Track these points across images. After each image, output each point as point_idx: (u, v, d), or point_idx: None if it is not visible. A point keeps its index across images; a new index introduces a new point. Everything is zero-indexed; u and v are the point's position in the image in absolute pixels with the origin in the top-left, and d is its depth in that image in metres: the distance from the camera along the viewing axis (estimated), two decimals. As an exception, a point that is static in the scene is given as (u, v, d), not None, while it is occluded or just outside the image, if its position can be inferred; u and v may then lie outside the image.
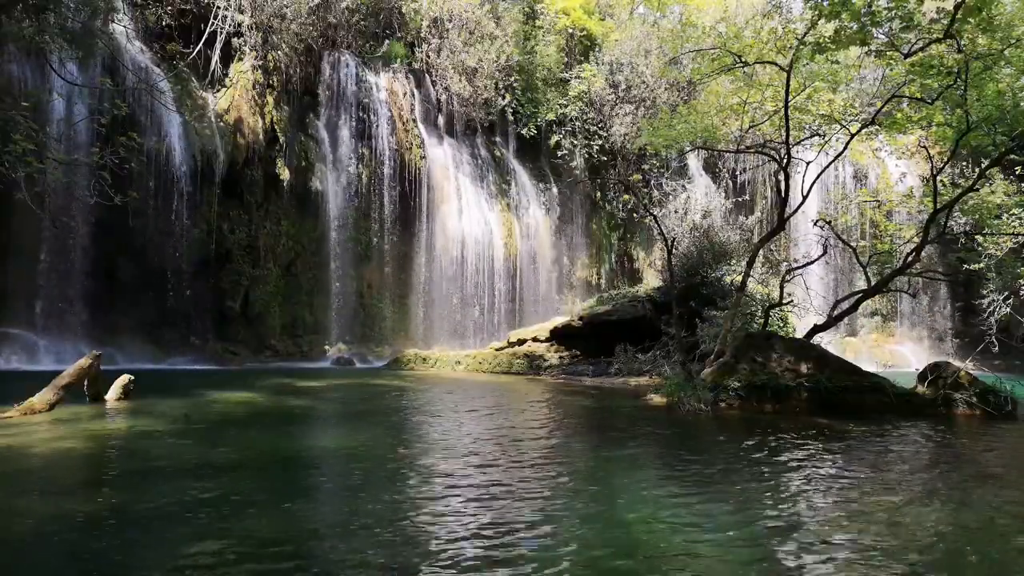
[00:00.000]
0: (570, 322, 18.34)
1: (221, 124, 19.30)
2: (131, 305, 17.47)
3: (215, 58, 19.79)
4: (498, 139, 26.26)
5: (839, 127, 13.27)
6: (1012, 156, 13.28)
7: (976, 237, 17.82)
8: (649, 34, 26.72)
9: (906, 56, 10.64)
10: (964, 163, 20.74)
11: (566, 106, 26.01)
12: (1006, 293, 20.37)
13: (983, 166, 11.98)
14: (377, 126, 22.37)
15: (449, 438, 7.49)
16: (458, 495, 4.85)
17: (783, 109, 11.91)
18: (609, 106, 26.32)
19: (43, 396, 8.06)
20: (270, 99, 20.69)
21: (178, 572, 3.33)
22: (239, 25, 20.02)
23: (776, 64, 12.14)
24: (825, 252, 14.02)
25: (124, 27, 18.13)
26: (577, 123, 26.15)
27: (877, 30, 10.52)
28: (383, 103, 22.66)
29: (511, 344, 18.76)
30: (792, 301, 14.01)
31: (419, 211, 23.08)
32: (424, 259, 23.12)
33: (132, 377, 9.57)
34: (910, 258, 12.47)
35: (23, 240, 15.92)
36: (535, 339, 18.48)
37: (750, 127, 14.19)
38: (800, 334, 13.53)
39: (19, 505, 4.49)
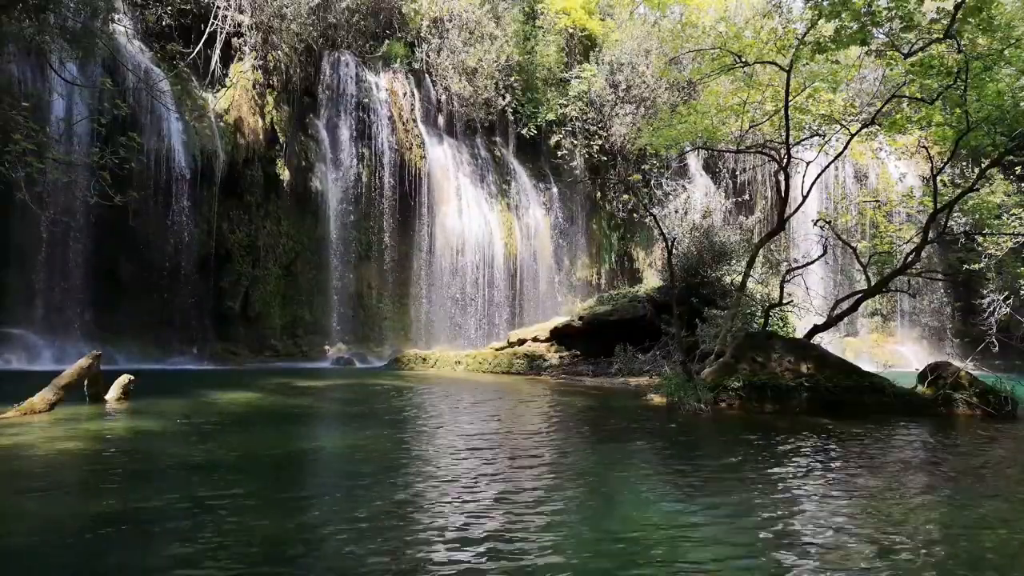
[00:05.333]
0: (570, 322, 18.33)
1: (221, 124, 19.31)
2: (131, 305, 17.48)
3: (215, 58, 19.79)
4: (498, 139, 26.26)
5: (839, 127, 13.27)
6: (1012, 156, 13.28)
7: (976, 237, 17.84)
8: (649, 34, 26.74)
9: (906, 56, 10.64)
10: (964, 163, 20.77)
11: (566, 106, 26.02)
12: (1006, 293, 20.38)
13: (983, 166, 11.98)
14: (377, 126, 22.37)
15: (449, 438, 7.49)
16: (458, 496, 4.85)
17: (783, 109, 11.90)
18: (609, 106, 26.33)
19: (43, 396, 8.05)
20: (270, 99, 20.70)
21: (178, 572, 3.33)
22: (239, 25, 20.02)
23: (776, 64, 12.14)
24: (825, 252, 14.01)
25: (124, 27, 18.14)
26: (577, 123, 26.16)
27: (877, 30, 10.53)
28: (383, 103, 22.66)
29: (511, 344, 18.76)
30: (792, 301, 14.01)
31: (419, 211, 23.08)
32: (424, 259, 23.12)
33: (132, 377, 9.57)
34: (910, 258, 12.46)
35: (23, 240, 15.93)
36: (535, 339, 18.47)
37: (750, 127, 14.19)
38: (800, 334, 13.53)
39: (19, 505, 4.49)
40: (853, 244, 15.03)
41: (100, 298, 16.99)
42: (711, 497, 4.95)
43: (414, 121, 23.55)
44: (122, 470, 5.58)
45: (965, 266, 19.85)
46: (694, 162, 28.44)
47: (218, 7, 19.45)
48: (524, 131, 25.72)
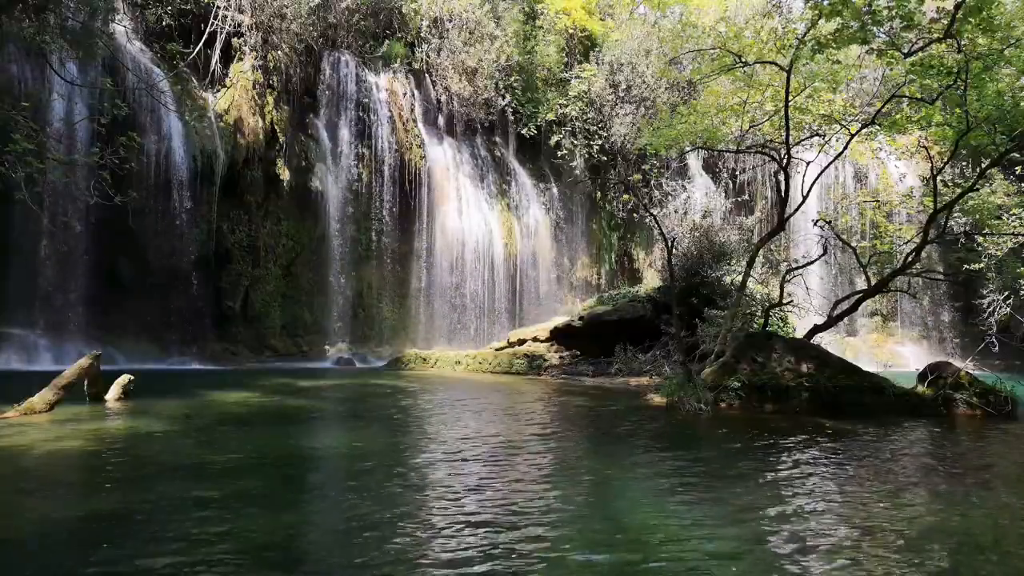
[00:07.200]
0: (570, 322, 18.33)
1: (221, 124, 19.30)
2: (131, 305, 17.46)
3: (215, 58, 19.79)
4: (498, 139, 26.25)
5: (839, 127, 13.26)
6: (1012, 156, 13.27)
7: (976, 237, 17.83)
8: (649, 34, 26.71)
9: (906, 56, 10.63)
10: (964, 163, 20.75)
11: (566, 106, 26.00)
12: (1006, 293, 20.37)
13: (983, 166, 11.97)
14: (377, 126, 22.36)
15: (448, 438, 7.49)
16: (458, 496, 4.85)
17: (783, 109, 11.89)
18: (609, 106, 26.31)
19: (43, 396, 8.06)
20: (270, 99, 20.69)
21: (177, 572, 3.33)
22: (239, 25, 20.02)
23: (776, 64, 12.13)
24: (825, 252, 14.01)
25: (124, 27, 18.13)
26: (577, 123, 26.14)
27: (878, 29, 10.52)
28: (383, 103, 22.65)
29: (511, 344, 18.75)
30: (792, 301, 14.00)
31: (419, 211, 23.07)
32: (424, 259, 23.11)
33: (132, 377, 9.58)
34: (910, 258, 12.46)
35: (23, 240, 15.92)
36: (535, 339, 18.47)
37: (750, 127, 14.18)
38: (800, 334, 13.52)
39: (19, 505, 4.49)
40: (853, 244, 15.02)
41: (100, 298, 16.97)
42: (712, 498, 4.95)
43: (414, 121, 23.55)
44: (121, 470, 5.58)
45: (965, 266, 19.84)
46: (694, 162, 28.42)
47: (218, 7, 19.44)
48: (524, 131, 25.69)
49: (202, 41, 19.24)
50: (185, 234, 18.20)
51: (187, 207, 18.18)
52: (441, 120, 24.70)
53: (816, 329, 12.27)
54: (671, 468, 6.10)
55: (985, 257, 19.10)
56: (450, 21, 24.25)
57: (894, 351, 25.82)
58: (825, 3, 10.09)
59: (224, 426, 7.95)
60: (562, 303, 25.56)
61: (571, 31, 27.18)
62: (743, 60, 12.23)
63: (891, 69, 12.55)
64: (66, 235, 16.37)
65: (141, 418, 8.07)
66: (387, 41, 23.94)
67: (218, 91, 19.90)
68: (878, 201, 24.03)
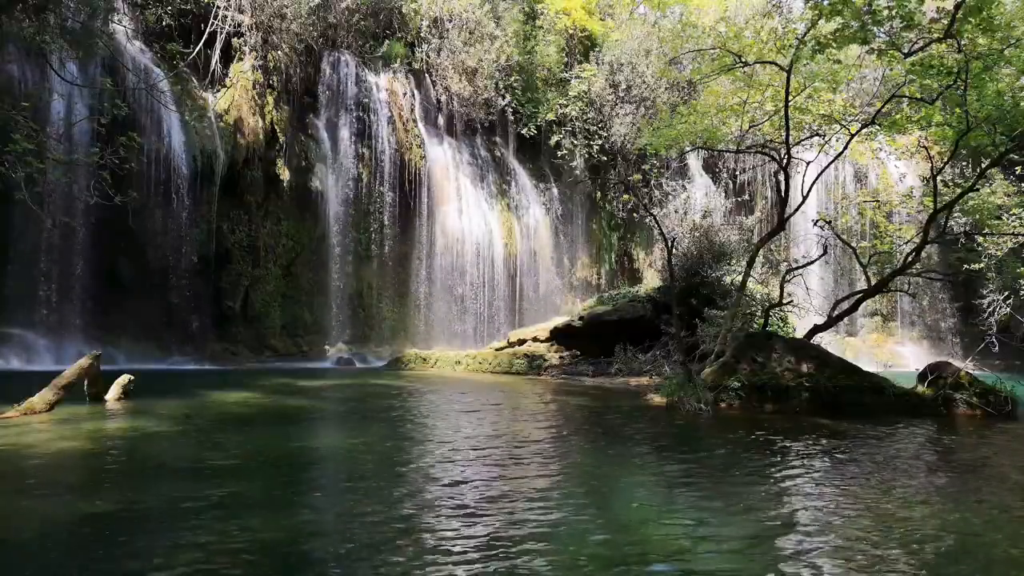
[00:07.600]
0: (570, 322, 18.33)
1: (221, 124, 19.30)
2: (131, 305, 17.46)
3: (215, 58, 19.79)
4: (498, 139, 26.25)
5: (839, 127, 13.26)
6: (1012, 156, 13.27)
7: (976, 237, 17.84)
8: (649, 34, 26.72)
9: (906, 56, 10.63)
10: (964, 163, 20.77)
11: (566, 106, 26.01)
12: (1006, 293, 20.39)
13: (983, 166, 11.97)
14: (377, 126, 22.36)
15: (449, 438, 7.49)
16: (458, 496, 4.85)
17: (783, 109, 11.89)
18: (609, 106, 26.32)
19: (43, 396, 8.06)
20: (270, 99, 20.69)
21: (178, 573, 3.33)
22: (239, 25, 20.02)
23: (776, 64, 12.13)
24: (825, 252, 14.00)
25: (124, 27, 18.13)
26: (577, 123, 26.15)
27: (878, 29, 10.52)
28: (383, 103, 22.65)
29: (511, 344, 18.75)
30: (792, 301, 14.00)
31: (419, 211, 23.07)
32: (424, 259, 23.12)
33: (132, 377, 9.57)
34: (910, 258, 12.46)
35: (23, 240, 15.92)
36: (535, 339, 18.47)
37: (750, 127, 14.17)
38: (800, 334, 13.52)
39: (19, 505, 4.49)
40: (853, 244, 15.02)
41: (100, 298, 16.97)
42: (712, 498, 4.95)
43: (414, 121, 23.55)
44: (121, 470, 5.58)
45: (965, 266, 19.85)
46: (694, 162, 28.42)
47: (218, 7, 19.44)
48: (524, 131, 25.70)
49: (202, 41, 19.24)
50: (185, 234, 18.20)
51: (187, 207, 18.19)
52: (441, 120, 24.71)
53: (816, 329, 12.26)
54: (672, 469, 6.10)
55: (985, 257, 19.12)
56: (450, 21, 24.25)
57: (894, 351, 25.83)
58: (825, 3, 10.09)
59: (224, 426, 7.95)
60: (562, 303, 25.56)
61: (571, 31, 27.19)
62: (743, 60, 12.22)
63: (891, 69, 12.55)
64: (66, 235, 16.37)
65: (141, 418, 8.07)
66: (387, 41, 23.94)
67: (218, 91, 19.90)
68: (878, 201, 24.03)
